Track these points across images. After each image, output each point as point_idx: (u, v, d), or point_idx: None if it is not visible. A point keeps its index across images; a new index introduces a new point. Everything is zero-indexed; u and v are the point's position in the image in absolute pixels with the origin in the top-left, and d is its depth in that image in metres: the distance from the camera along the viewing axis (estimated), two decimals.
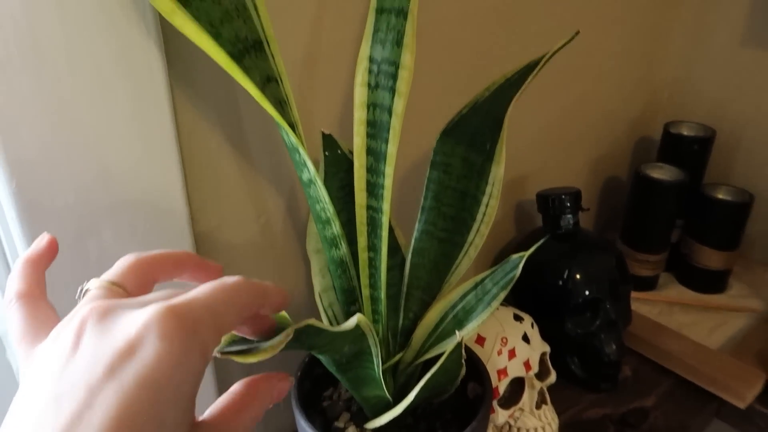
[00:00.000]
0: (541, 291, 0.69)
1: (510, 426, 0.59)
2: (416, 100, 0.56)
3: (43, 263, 0.30)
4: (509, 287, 0.43)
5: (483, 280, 0.45)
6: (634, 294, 0.85)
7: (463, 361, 0.43)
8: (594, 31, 0.76)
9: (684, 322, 0.80)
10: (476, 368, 0.50)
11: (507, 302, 0.69)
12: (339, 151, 0.47)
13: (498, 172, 0.44)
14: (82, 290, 0.27)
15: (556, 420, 0.60)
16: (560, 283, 0.67)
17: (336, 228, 0.39)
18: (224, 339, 0.32)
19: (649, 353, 0.75)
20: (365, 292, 0.46)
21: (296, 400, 0.46)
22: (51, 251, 0.30)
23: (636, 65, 0.87)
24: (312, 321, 0.33)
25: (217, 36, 0.32)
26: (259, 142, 0.48)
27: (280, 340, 0.31)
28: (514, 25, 0.65)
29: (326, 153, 0.47)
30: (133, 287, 0.27)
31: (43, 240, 0.30)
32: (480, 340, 0.58)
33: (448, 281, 0.46)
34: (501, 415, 0.57)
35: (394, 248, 0.51)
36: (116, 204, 0.40)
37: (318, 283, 0.49)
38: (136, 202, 0.41)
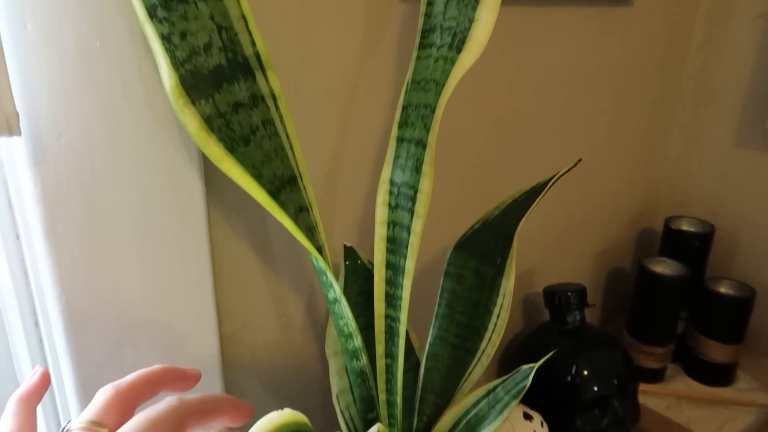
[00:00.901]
0: (549, 387, 0.70)
1: None
2: (432, 213, 0.60)
3: (35, 400, 0.32)
4: (520, 396, 0.45)
5: (495, 387, 0.47)
6: (642, 386, 0.85)
7: None
8: (596, 130, 0.81)
9: (693, 416, 0.81)
10: None
11: None
12: (359, 261, 0.50)
13: (508, 285, 0.47)
14: (63, 429, 0.29)
15: None
16: (568, 379, 0.68)
17: (358, 342, 0.42)
18: None
19: None
20: (381, 396, 0.48)
21: None
22: (44, 384, 0.32)
23: (636, 162, 0.92)
24: None
25: (258, 177, 0.35)
26: (283, 249, 0.52)
27: None
28: (520, 140, 0.69)
29: (347, 262, 0.50)
30: (114, 423, 0.29)
31: (36, 374, 0.32)
32: None
33: (461, 387, 0.48)
34: None
35: (409, 351, 0.53)
36: (152, 315, 0.43)
37: (335, 384, 0.51)
38: (170, 311, 0.44)
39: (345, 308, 0.40)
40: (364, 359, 0.43)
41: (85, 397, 0.42)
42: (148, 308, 0.43)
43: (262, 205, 0.35)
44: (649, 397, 0.84)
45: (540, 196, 0.45)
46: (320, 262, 0.38)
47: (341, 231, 0.55)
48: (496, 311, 0.48)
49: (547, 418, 0.68)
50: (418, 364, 0.51)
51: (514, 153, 0.69)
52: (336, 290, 0.39)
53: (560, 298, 0.72)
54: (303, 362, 0.57)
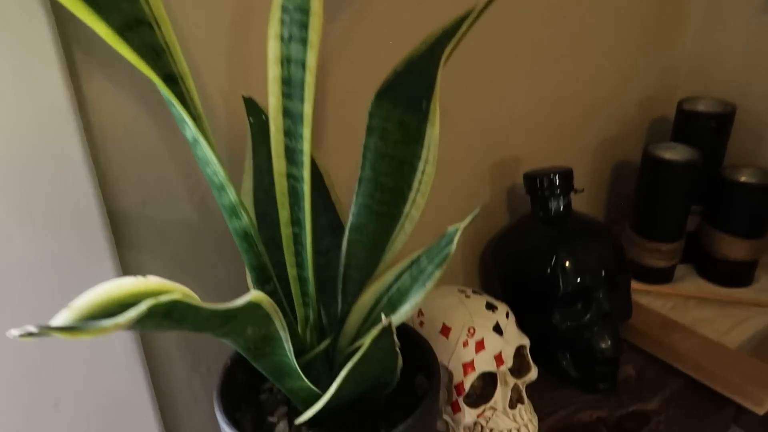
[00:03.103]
0: (527, 280, 0.63)
1: (481, 427, 0.53)
2: (354, 61, 0.51)
3: None
4: (444, 264, 0.37)
5: (419, 257, 0.39)
6: (645, 287, 0.77)
7: (397, 349, 0.38)
8: (595, 6, 0.69)
9: (700, 317, 0.72)
10: (425, 359, 0.44)
11: (493, 292, 0.63)
12: (263, 117, 0.43)
13: (433, 133, 0.39)
14: None
15: (535, 421, 0.54)
16: (548, 271, 0.60)
17: (232, 195, 0.35)
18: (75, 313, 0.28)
19: (657, 351, 0.67)
20: (291, 271, 0.41)
21: (218, 394, 0.42)
22: None
23: (648, 37, 0.79)
24: (178, 296, 0.28)
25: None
26: None
27: (129, 317, 0.27)
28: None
29: (251, 119, 0.43)
30: None
31: None
32: (445, 330, 0.52)
33: (383, 260, 0.41)
34: (468, 414, 0.51)
35: (336, 226, 0.46)
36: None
37: None
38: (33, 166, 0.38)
39: (206, 150, 0.33)
40: (245, 217, 0.36)
41: None
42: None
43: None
44: (652, 298, 0.76)
45: (469, 21, 0.36)
46: (163, 90, 0.30)
47: (255, 85, 0.47)
48: (420, 166, 0.40)
49: (526, 314, 0.61)
50: (341, 242, 0.44)
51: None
52: (191, 127, 0.32)
53: (542, 182, 0.63)
54: (227, 245, 0.51)
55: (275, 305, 0.35)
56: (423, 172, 0.40)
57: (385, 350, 0.37)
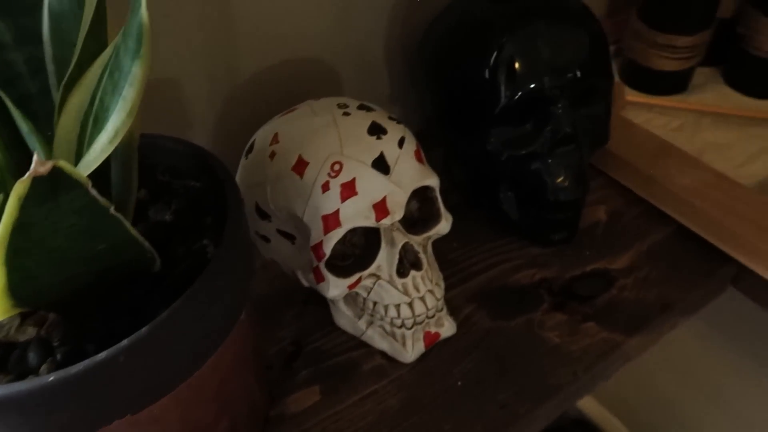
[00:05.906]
0: (458, 86, 0.43)
1: (363, 299, 0.38)
2: None
3: None
4: (143, 50, 0.18)
5: (123, 33, 0.20)
6: (644, 98, 0.57)
7: (110, 211, 0.21)
8: None
9: (713, 142, 0.52)
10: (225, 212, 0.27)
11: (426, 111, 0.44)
12: None
13: None
14: None
15: (438, 292, 0.38)
16: (485, 71, 0.40)
17: None
18: None
19: (641, 188, 0.49)
20: None
21: None
22: None
23: None
24: None
25: None
26: None
27: None
28: None
29: None
30: None
31: None
32: (299, 165, 0.34)
33: (81, 41, 0.21)
34: (334, 285, 0.35)
35: None
36: None
37: None
38: None
39: None
40: None
41: None
42: None
43: None
44: (653, 114, 0.55)
45: None
46: None
47: None
48: None
49: (459, 137, 0.43)
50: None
51: None
52: None
53: None
54: None
55: None
56: None
57: (78, 213, 0.20)
